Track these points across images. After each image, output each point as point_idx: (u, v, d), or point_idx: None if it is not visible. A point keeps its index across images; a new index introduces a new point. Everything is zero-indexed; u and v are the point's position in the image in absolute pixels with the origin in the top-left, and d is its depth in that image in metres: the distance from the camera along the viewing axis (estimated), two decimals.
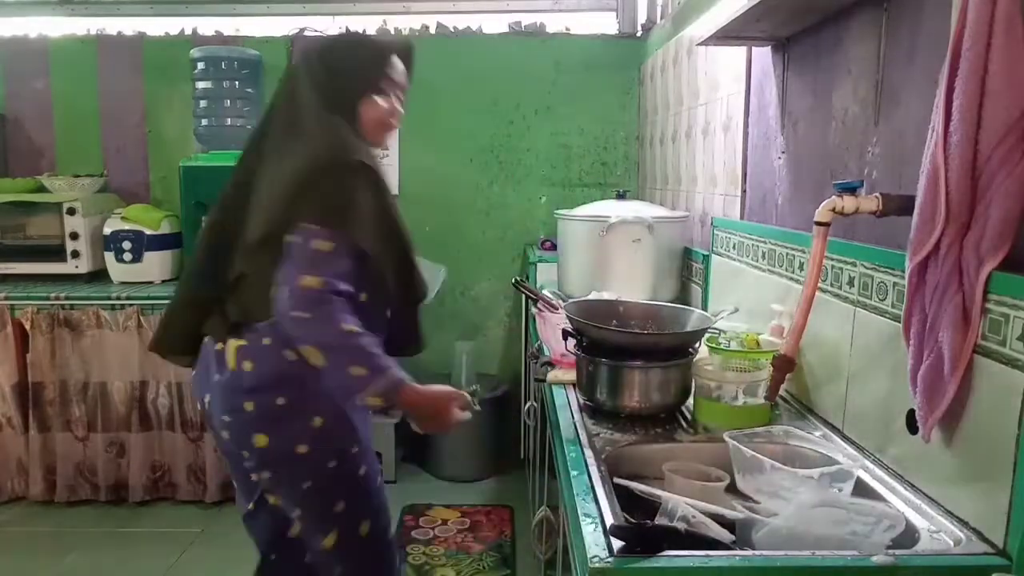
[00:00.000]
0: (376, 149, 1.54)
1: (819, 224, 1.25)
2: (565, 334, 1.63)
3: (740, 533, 1.05)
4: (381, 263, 1.44)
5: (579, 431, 1.43)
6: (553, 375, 1.77)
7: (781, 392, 1.50)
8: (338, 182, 1.38)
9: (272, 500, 1.56)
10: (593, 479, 1.19)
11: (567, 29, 3.64)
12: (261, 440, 1.44)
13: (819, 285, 1.36)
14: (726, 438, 1.24)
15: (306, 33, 3.58)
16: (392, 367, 1.37)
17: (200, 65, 3.33)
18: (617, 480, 1.19)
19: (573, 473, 1.23)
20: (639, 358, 1.50)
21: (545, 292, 2.27)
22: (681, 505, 1.07)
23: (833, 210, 1.22)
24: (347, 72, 1.51)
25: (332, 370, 1.35)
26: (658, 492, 1.14)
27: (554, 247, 3.06)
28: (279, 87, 1.56)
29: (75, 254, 3.25)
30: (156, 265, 3.29)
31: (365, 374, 1.33)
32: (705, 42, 1.88)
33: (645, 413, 1.51)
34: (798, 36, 1.72)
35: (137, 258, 3.25)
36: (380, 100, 1.52)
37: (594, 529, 1.02)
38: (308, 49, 1.55)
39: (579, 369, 1.61)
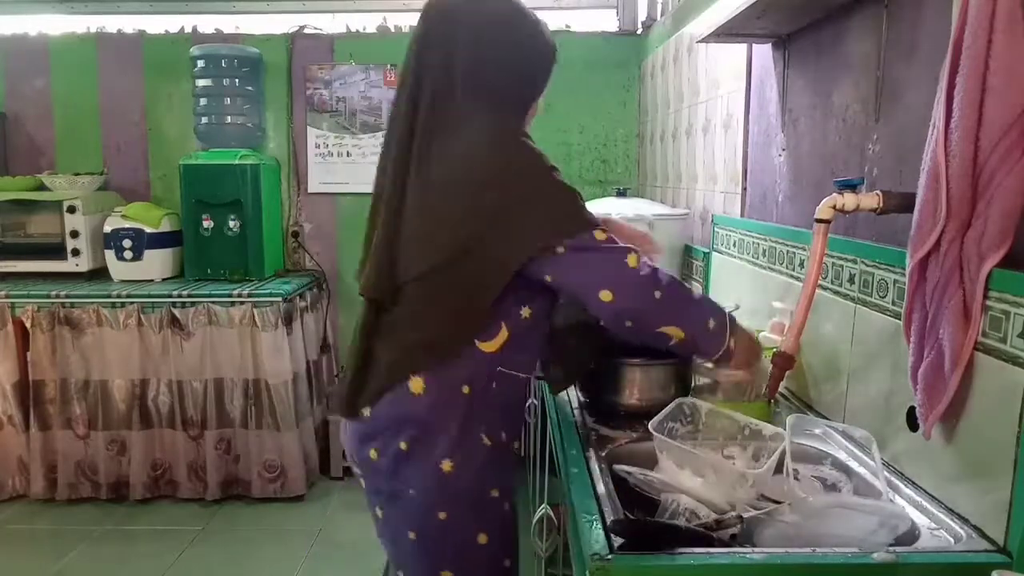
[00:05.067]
0: None
1: (819, 221, 1.25)
2: None
3: (745, 532, 1.05)
4: None
5: (579, 429, 1.43)
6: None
7: (781, 389, 1.50)
8: (558, 185, 1.22)
9: None
10: (594, 477, 1.20)
11: (567, 26, 3.64)
12: None
13: (819, 282, 1.36)
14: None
15: (306, 31, 3.58)
16: (710, 303, 1.31)
17: (200, 63, 3.33)
18: (617, 467, 1.19)
19: (573, 471, 1.23)
20: (639, 356, 1.50)
21: None
22: (682, 500, 1.07)
23: (834, 207, 1.22)
24: (545, 58, 1.32)
25: (695, 337, 1.25)
26: (655, 476, 1.13)
27: None
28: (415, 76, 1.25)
29: (75, 252, 3.25)
30: (156, 263, 3.29)
31: (716, 326, 1.26)
32: (705, 39, 1.88)
33: (645, 411, 1.51)
34: (799, 33, 1.72)
35: (137, 256, 3.25)
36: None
37: (595, 526, 1.02)
38: (483, 24, 1.25)
39: None
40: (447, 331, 1.24)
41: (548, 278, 1.20)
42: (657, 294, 1.18)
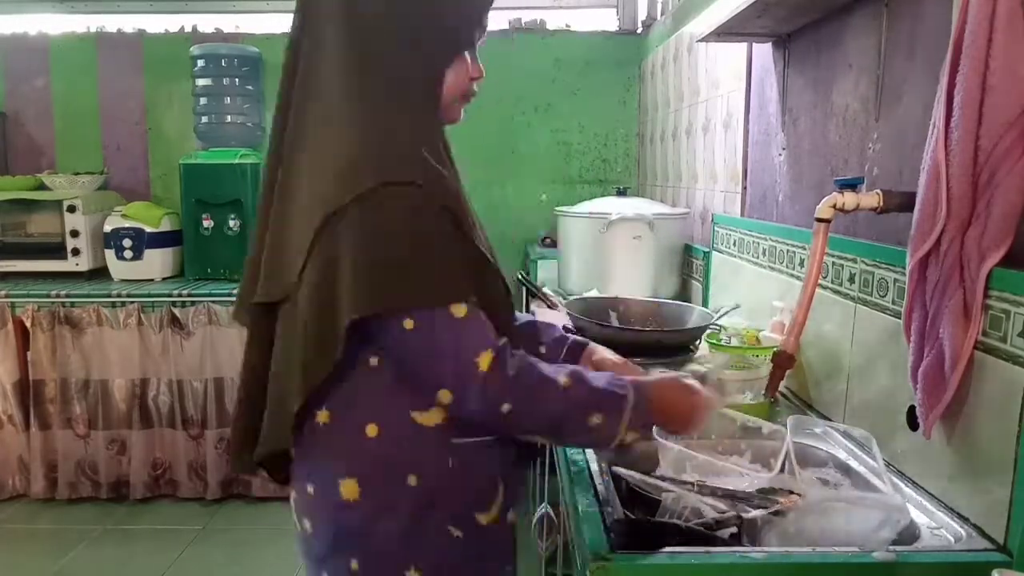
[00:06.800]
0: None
1: (820, 220, 1.25)
2: (565, 331, 1.63)
3: (745, 531, 1.05)
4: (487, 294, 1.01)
5: None
6: None
7: (781, 388, 1.50)
8: (416, 238, 0.93)
9: None
10: (594, 475, 1.19)
11: (567, 26, 3.64)
12: None
13: (820, 282, 1.36)
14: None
15: None
16: (617, 385, 1.00)
17: (200, 62, 3.33)
18: (616, 469, 1.18)
19: (573, 470, 1.23)
20: (640, 355, 1.50)
21: (545, 290, 2.27)
22: (683, 498, 1.07)
23: (834, 206, 1.22)
24: (444, 16, 0.99)
25: (569, 438, 1.06)
26: (656, 483, 1.13)
27: (554, 244, 3.06)
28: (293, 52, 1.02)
29: (75, 252, 3.25)
30: (156, 262, 3.29)
31: (602, 420, 0.97)
32: (706, 39, 1.88)
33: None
34: (799, 32, 1.71)
35: (137, 256, 3.25)
36: (468, 58, 1.04)
37: (595, 525, 1.02)
38: None
39: None
40: (342, 407, 0.99)
41: (374, 360, 0.98)
42: (505, 408, 0.93)
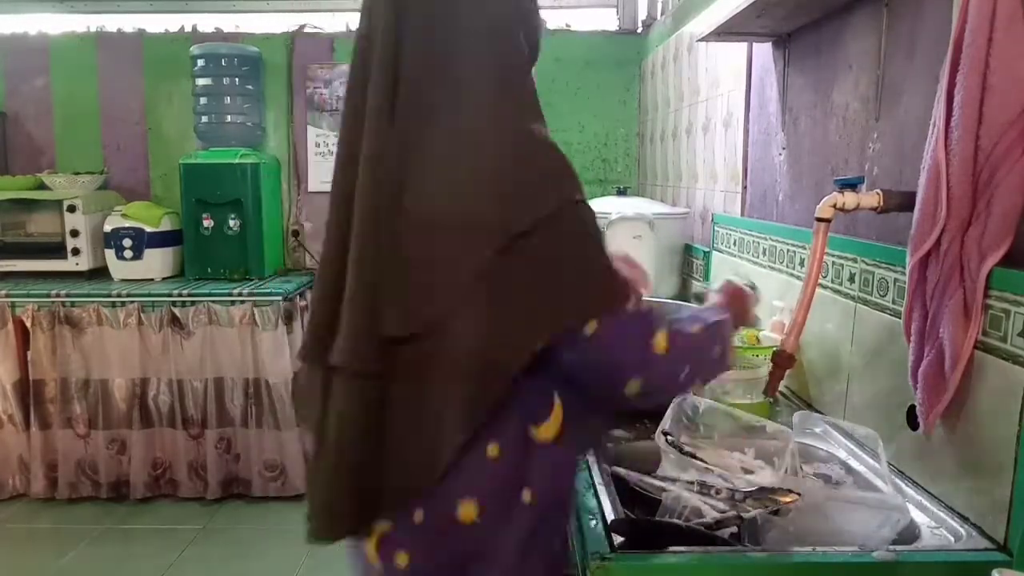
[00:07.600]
0: None
1: (820, 220, 1.25)
2: None
3: (748, 532, 1.05)
4: None
5: None
6: None
7: (782, 388, 1.50)
8: (586, 242, 0.92)
9: None
10: (594, 475, 1.19)
11: (567, 25, 3.64)
12: None
13: (820, 281, 1.36)
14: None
15: (306, 30, 3.58)
16: (709, 319, 1.02)
17: (200, 62, 3.33)
18: (616, 469, 1.19)
19: None
20: None
21: None
22: (683, 498, 1.07)
23: (834, 206, 1.22)
24: (533, 23, 1.03)
25: (709, 376, 1.08)
26: (655, 483, 1.13)
27: None
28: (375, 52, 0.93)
29: (75, 251, 3.25)
30: (156, 262, 3.29)
31: (720, 351, 1.01)
32: (706, 38, 1.88)
33: (645, 409, 1.50)
34: (799, 32, 1.71)
35: (137, 255, 3.25)
36: None
37: (595, 525, 1.03)
38: None
39: None
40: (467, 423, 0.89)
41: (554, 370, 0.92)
42: (683, 376, 0.96)
